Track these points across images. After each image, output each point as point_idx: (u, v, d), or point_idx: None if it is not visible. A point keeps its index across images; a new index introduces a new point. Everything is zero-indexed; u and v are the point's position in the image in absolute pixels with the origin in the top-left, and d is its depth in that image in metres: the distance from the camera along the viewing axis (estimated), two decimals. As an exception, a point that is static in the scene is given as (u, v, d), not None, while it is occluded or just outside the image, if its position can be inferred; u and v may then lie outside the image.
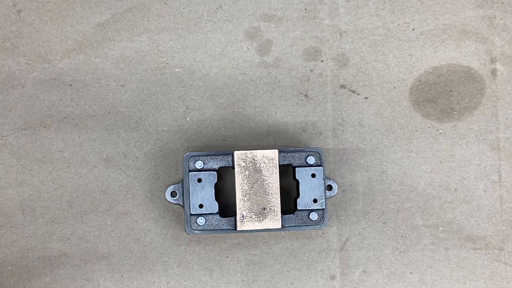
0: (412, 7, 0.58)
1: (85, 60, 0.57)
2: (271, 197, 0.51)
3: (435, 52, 0.58)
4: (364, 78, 0.58)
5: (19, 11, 0.57)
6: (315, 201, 0.52)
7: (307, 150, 0.53)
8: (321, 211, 0.52)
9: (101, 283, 0.56)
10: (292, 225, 0.52)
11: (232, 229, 0.52)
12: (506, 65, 0.58)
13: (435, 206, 0.57)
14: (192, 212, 0.52)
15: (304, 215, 0.52)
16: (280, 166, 0.52)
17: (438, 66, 0.58)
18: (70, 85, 0.57)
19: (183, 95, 0.57)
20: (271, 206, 0.51)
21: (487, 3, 0.58)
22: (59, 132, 0.57)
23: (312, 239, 0.57)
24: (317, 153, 0.53)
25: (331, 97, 0.58)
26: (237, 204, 0.51)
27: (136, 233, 0.56)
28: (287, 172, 0.54)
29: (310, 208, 0.52)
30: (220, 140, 0.57)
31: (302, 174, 0.52)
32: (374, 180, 0.57)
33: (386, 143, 0.58)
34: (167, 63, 0.57)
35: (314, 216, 0.52)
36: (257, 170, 0.51)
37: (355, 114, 0.58)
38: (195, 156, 0.52)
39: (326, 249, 0.57)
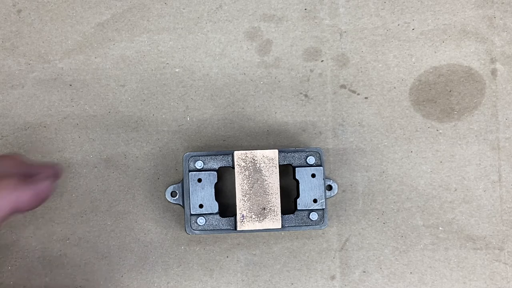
0: (412, 7, 0.58)
1: (85, 60, 0.57)
2: (271, 197, 0.51)
3: (435, 52, 0.58)
4: (364, 78, 0.58)
5: (19, 11, 0.57)
6: (315, 201, 0.52)
7: (307, 150, 0.53)
8: (321, 211, 0.52)
9: (101, 283, 0.56)
10: (292, 225, 0.52)
11: (232, 229, 0.52)
12: (506, 65, 0.58)
13: (435, 206, 0.57)
14: (192, 212, 0.52)
15: (304, 215, 0.52)
16: (280, 166, 0.52)
17: (438, 66, 0.58)
18: (70, 85, 0.57)
19: (183, 95, 0.57)
20: (271, 206, 0.51)
21: (487, 3, 0.58)
22: (59, 132, 0.57)
23: (312, 239, 0.57)
24: (317, 153, 0.53)
25: (331, 97, 0.58)
26: (237, 204, 0.51)
27: (136, 233, 0.56)
28: (287, 172, 0.54)
29: (310, 208, 0.52)
30: (220, 140, 0.57)
31: (302, 174, 0.52)
32: (374, 180, 0.57)
33: (386, 143, 0.58)
34: (167, 63, 0.57)
35: (314, 216, 0.52)
36: (257, 170, 0.51)
37: (355, 114, 0.58)
38: (195, 156, 0.52)
39: (326, 249, 0.57)
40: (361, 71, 0.58)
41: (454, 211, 0.57)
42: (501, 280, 0.57)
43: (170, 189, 0.54)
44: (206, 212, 0.52)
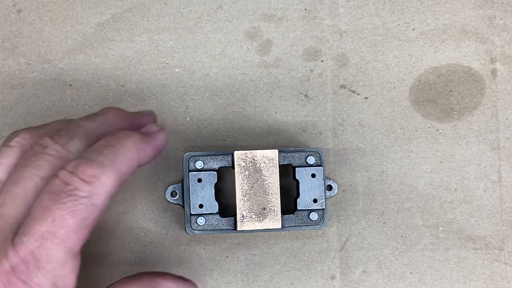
0: (412, 7, 0.58)
1: (85, 60, 0.57)
2: (271, 197, 0.51)
3: (435, 52, 0.58)
4: (364, 78, 0.58)
5: (19, 11, 0.57)
6: (315, 201, 0.52)
7: (307, 150, 0.53)
8: (321, 211, 0.52)
9: (101, 283, 0.56)
10: (292, 225, 0.52)
11: (232, 229, 0.52)
12: (506, 65, 0.58)
13: (435, 206, 0.57)
14: (192, 212, 0.52)
15: (304, 215, 0.52)
16: (280, 166, 0.52)
17: (438, 66, 0.58)
18: (70, 85, 0.57)
19: (183, 95, 0.57)
20: (271, 206, 0.51)
21: (487, 3, 0.58)
22: (59, 132, 0.57)
23: (312, 239, 0.57)
24: (317, 153, 0.53)
25: (331, 97, 0.58)
26: (237, 204, 0.51)
27: (136, 233, 0.56)
28: (287, 172, 0.54)
29: (310, 208, 0.52)
30: (220, 140, 0.57)
31: (302, 174, 0.52)
32: (374, 180, 0.57)
33: (386, 143, 0.58)
34: (167, 63, 0.58)
35: (314, 216, 0.52)
36: (257, 170, 0.51)
37: (355, 114, 0.58)
38: (195, 156, 0.52)
39: (326, 249, 0.57)
40: (361, 71, 0.58)
41: (454, 211, 0.57)
42: (501, 280, 0.57)
43: (170, 189, 0.54)
44: (206, 212, 0.52)
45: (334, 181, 0.57)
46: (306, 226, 0.52)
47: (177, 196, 0.54)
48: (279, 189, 0.51)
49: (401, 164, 0.57)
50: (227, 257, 0.57)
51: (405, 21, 0.58)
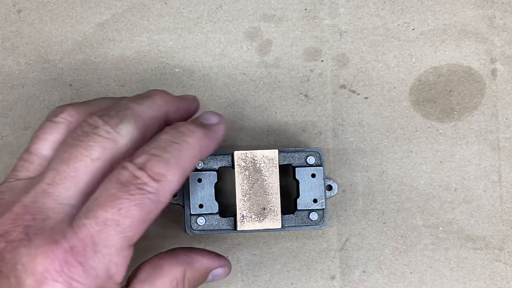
0: (412, 7, 0.58)
1: (85, 60, 0.57)
2: (271, 197, 0.51)
3: (435, 52, 0.58)
4: (364, 78, 0.58)
5: (19, 11, 0.57)
6: (315, 201, 0.52)
7: (307, 150, 0.53)
8: (321, 211, 0.52)
9: (101, 283, 0.56)
10: (292, 225, 0.52)
11: (232, 229, 0.52)
12: (506, 65, 0.58)
13: (435, 206, 0.57)
14: (192, 212, 0.52)
15: (304, 215, 0.52)
16: (280, 166, 0.52)
17: (438, 66, 0.58)
18: (70, 85, 0.57)
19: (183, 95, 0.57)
20: (271, 206, 0.51)
21: (487, 3, 0.58)
22: (59, 132, 0.57)
23: (312, 239, 0.57)
24: (317, 153, 0.53)
25: (331, 97, 0.58)
26: (237, 204, 0.51)
27: (136, 233, 0.56)
28: (287, 172, 0.54)
29: (310, 208, 0.52)
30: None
31: (302, 174, 0.52)
32: (374, 180, 0.57)
33: (386, 143, 0.58)
34: (167, 63, 0.58)
35: (314, 216, 0.52)
36: (257, 170, 0.51)
37: (355, 114, 0.58)
38: (195, 156, 0.52)
39: (326, 249, 0.57)
40: (361, 71, 0.58)
41: (454, 211, 0.57)
42: (501, 280, 0.57)
43: (170, 189, 0.54)
44: (206, 212, 0.52)
45: (334, 181, 0.57)
46: (306, 226, 0.52)
47: (177, 196, 0.54)
48: (279, 189, 0.51)
49: (401, 164, 0.57)
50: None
51: (405, 21, 0.58)
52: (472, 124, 0.58)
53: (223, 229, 0.52)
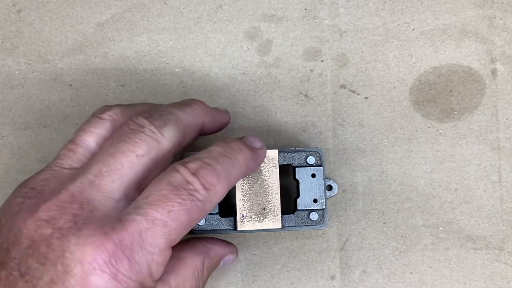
0: (412, 7, 0.58)
1: (85, 60, 0.57)
2: (271, 197, 0.51)
3: (435, 52, 0.58)
4: (364, 78, 0.58)
5: (19, 11, 0.57)
6: (315, 201, 0.52)
7: (307, 150, 0.53)
8: (321, 211, 0.52)
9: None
10: (292, 225, 0.52)
11: (232, 229, 0.52)
12: (506, 65, 0.58)
13: (435, 206, 0.57)
14: (192, 212, 0.51)
15: (304, 215, 0.52)
16: (280, 166, 0.52)
17: (438, 66, 0.58)
18: (70, 85, 0.57)
19: (183, 95, 0.57)
20: (271, 206, 0.51)
21: (487, 3, 0.58)
22: (59, 132, 0.57)
23: (312, 239, 0.57)
24: (317, 153, 0.53)
25: (331, 97, 0.58)
26: (237, 204, 0.51)
27: (136, 233, 0.56)
28: (287, 172, 0.54)
29: (310, 208, 0.52)
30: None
31: (302, 174, 0.52)
32: (374, 180, 0.57)
33: (386, 143, 0.58)
34: (167, 63, 0.58)
35: (314, 216, 0.52)
36: (257, 170, 0.51)
37: (355, 114, 0.58)
38: (195, 156, 0.52)
39: (326, 249, 0.57)
40: (361, 71, 0.58)
41: (454, 211, 0.57)
42: (501, 280, 0.57)
43: (170, 189, 0.54)
44: (206, 212, 0.52)
45: (334, 181, 0.57)
46: (306, 226, 0.52)
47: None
48: (279, 189, 0.51)
49: (401, 164, 0.57)
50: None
51: (405, 21, 0.58)
52: (472, 124, 0.58)
53: (223, 229, 0.52)
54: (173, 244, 0.40)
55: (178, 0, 0.58)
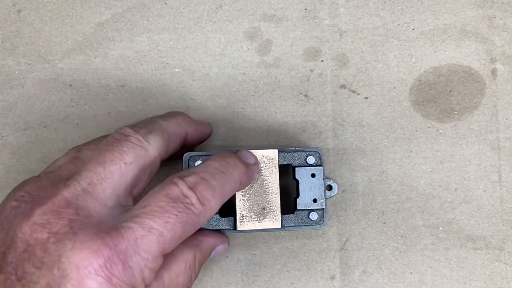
0: (412, 7, 0.58)
1: (85, 60, 0.57)
2: (271, 197, 0.51)
3: (435, 52, 0.58)
4: (364, 78, 0.58)
5: (19, 11, 0.57)
6: (315, 201, 0.52)
7: (307, 150, 0.53)
8: (321, 211, 0.52)
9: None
10: (292, 225, 0.52)
11: (232, 229, 0.52)
12: (506, 65, 0.58)
13: (435, 206, 0.57)
14: (192, 212, 0.51)
15: (304, 215, 0.52)
16: (280, 166, 0.52)
17: (438, 66, 0.58)
18: (70, 85, 0.57)
19: (183, 95, 0.57)
20: (271, 206, 0.51)
21: (487, 3, 0.58)
22: (59, 132, 0.57)
23: (312, 239, 0.57)
24: (317, 153, 0.53)
25: (331, 97, 0.58)
26: (236, 204, 0.51)
27: (136, 233, 0.56)
28: (287, 172, 0.54)
29: (310, 208, 0.52)
30: (220, 140, 0.57)
31: (302, 174, 0.52)
32: (374, 180, 0.57)
33: (386, 143, 0.58)
34: (167, 63, 0.58)
35: (314, 216, 0.52)
36: (257, 170, 0.51)
37: (355, 114, 0.58)
38: (194, 156, 0.52)
39: (326, 249, 0.57)
40: (361, 71, 0.58)
41: (454, 211, 0.57)
42: (501, 280, 0.57)
43: (170, 189, 0.54)
44: (206, 212, 0.52)
45: (334, 181, 0.57)
46: (306, 226, 0.52)
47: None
48: (279, 189, 0.51)
49: (401, 164, 0.57)
50: (227, 257, 0.57)
51: (405, 21, 0.58)
52: (472, 124, 0.58)
53: (223, 229, 0.52)
54: (165, 253, 0.41)
55: (178, 0, 0.58)
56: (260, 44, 0.58)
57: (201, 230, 0.50)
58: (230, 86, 0.58)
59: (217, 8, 0.58)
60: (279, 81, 0.58)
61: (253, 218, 0.51)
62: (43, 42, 0.57)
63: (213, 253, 0.51)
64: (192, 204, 0.42)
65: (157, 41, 0.58)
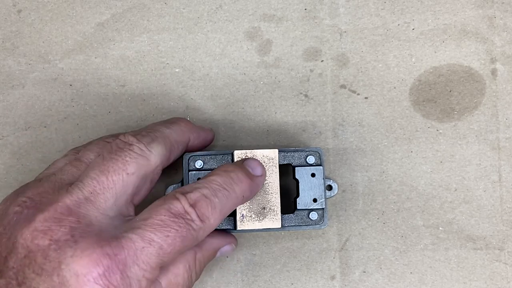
0: (412, 7, 0.58)
1: (85, 60, 0.57)
2: (271, 196, 0.51)
3: (435, 52, 0.58)
4: (364, 78, 0.58)
5: (19, 11, 0.57)
6: (315, 200, 0.52)
7: (307, 149, 0.53)
8: (321, 211, 0.52)
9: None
10: (292, 224, 0.52)
11: (232, 229, 0.52)
12: (506, 65, 0.58)
13: (435, 206, 0.57)
14: (192, 212, 0.51)
15: (304, 215, 0.52)
16: (280, 165, 0.52)
17: (438, 66, 0.58)
18: (70, 85, 0.57)
19: (183, 95, 0.57)
20: (271, 206, 0.51)
21: (487, 3, 0.58)
22: (59, 132, 0.57)
23: (312, 239, 0.57)
24: (317, 153, 0.53)
25: (331, 97, 0.58)
26: (237, 204, 0.51)
27: (136, 233, 0.56)
28: (287, 172, 0.54)
29: (310, 208, 0.52)
30: (220, 140, 0.57)
31: (301, 174, 0.52)
32: (374, 180, 0.57)
33: (386, 143, 0.58)
34: (167, 63, 0.58)
35: (314, 215, 0.52)
36: (257, 169, 0.51)
37: (355, 114, 0.58)
38: (195, 155, 0.52)
39: (326, 249, 0.57)
40: (361, 71, 0.58)
41: (454, 211, 0.57)
42: (501, 280, 0.57)
43: (170, 189, 0.54)
44: (206, 212, 0.51)
45: (334, 181, 0.57)
46: (306, 226, 0.52)
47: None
48: (279, 189, 0.51)
49: (401, 164, 0.57)
50: (227, 257, 0.57)
51: (405, 21, 0.58)
52: (472, 124, 0.58)
53: (223, 229, 0.52)
54: (163, 266, 0.42)
55: (178, 0, 0.58)
56: (260, 44, 0.58)
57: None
58: (230, 86, 0.58)
59: (217, 8, 0.58)
60: (279, 81, 0.58)
61: (253, 218, 0.51)
62: (43, 42, 0.57)
63: (218, 253, 0.51)
64: (192, 221, 0.43)
65: (157, 41, 0.58)
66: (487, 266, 0.57)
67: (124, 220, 0.44)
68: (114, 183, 0.44)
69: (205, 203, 0.44)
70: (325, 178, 0.54)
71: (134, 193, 0.45)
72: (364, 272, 0.57)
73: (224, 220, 0.52)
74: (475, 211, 0.57)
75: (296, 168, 0.52)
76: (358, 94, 0.58)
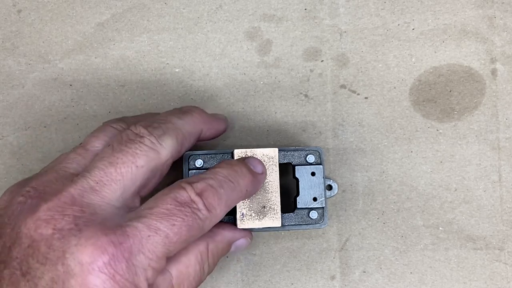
0: (412, 7, 0.58)
1: (85, 60, 0.57)
2: (271, 195, 0.51)
3: (435, 52, 0.58)
4: (364, 78, 0.58)
5: (19, 11, 0.57)
6: (315, 199, 0.52)
7: (307, 149, 0.53)
8: (321, 210, 0.52)
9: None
10: (292, 223, 0.52)
11: (232, 228, 0.52)
12: (506, 65, 0.58)
13: (435, 206, 0.57)
14: (192, 211, 0.51)
15: (304, 214, 0.52)
16: (280, 164, 0.52)
17: (438, 66, 0.58)
18: (70, 85, 0.57)
19: (183, 95, 0.57)
20: (271, 205, 0.51)
21: (487, 3, 0.58)
22: (59, 132, 0.57)
23: (312, 239, 0.57)
24: (317, 152, 0.52)
25: (331, 97, 0.58)
26: (236, 203, 0.51)
27: (136, 233, 0.56)
28: (287, 171, 0.54)
29: (310, 207, 0.52)
30: (220, 139, 0.57)
31: (301, 173, 0.52)
32: (374, 180, 0.57)
33: (386, 143, 0.58)
34: (167, 63, 0.58)
35: (314, 214, 0.52)
36: (257, 169, 0.51)
37: (355, 114, 0.58)
38: (195, 155, 0.52)
39: (326, 249, 0.57)
40: (361, 71, 0.58)
41: (454, 211, 0.57)
42: (501, 280, 0.57)
43: (170, 188, 0.54)
44: (206, 211, 0.51)
45: (334, 181, 0.57)
46: (306, 225, 0.52)
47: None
48: (279, 188, 0.51)
49: (401, 164, 0.57)
50: (227, 257, 0.57)
51: (405, 21, 0.58)
52: (472, 124, 0.58)
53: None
54: (169, 256, 0.42)
55: (178, 0, 0.58)
56: (260, 44, 0.58)
57: (218, 223, 0.49)
58: (230, 86, 0.58)
59: (217, 8, 0.58)
60: (279, 81, 0.58)
61: (253, 217, 0.50)
62: (43, 42, 0.57)
63: (233, 247, 0.50)
64: (199, 210, 0.42)
65: (157, 41, 0.58)
66: (487, 266, 0.57)
67: (129, 211, 0.43)
68: (123, 175, 0.43)
69: (211, 193, 0.44)
70: (325, 178, 0.54)
71: (142, 185, 0.45)
72: (364, 272, 0.57)
73: (224, 219, 0.52)
74: (475, 211, 0.57)
75: (296, 167, 0.52)
76: (358, 94, 0.58)
